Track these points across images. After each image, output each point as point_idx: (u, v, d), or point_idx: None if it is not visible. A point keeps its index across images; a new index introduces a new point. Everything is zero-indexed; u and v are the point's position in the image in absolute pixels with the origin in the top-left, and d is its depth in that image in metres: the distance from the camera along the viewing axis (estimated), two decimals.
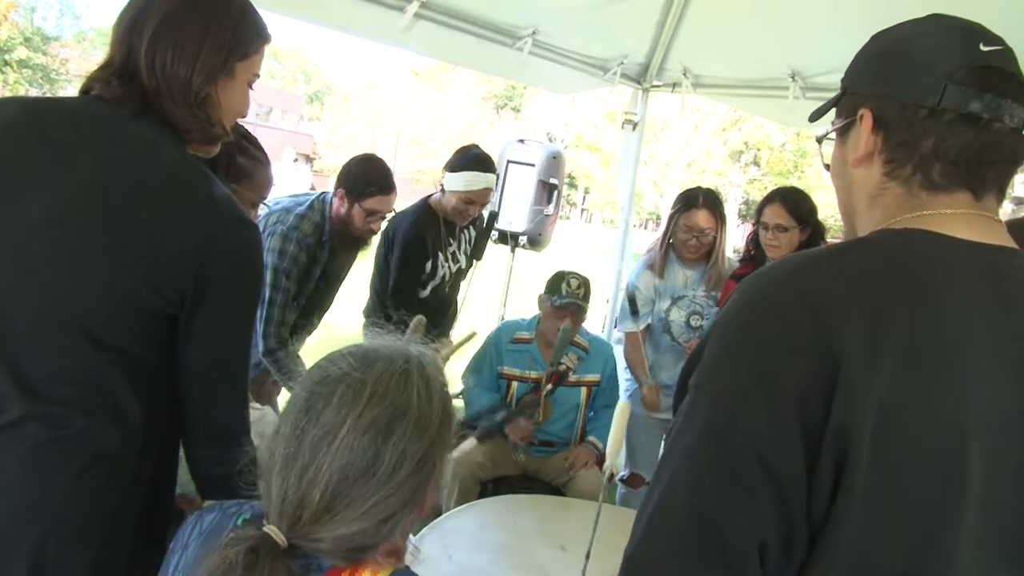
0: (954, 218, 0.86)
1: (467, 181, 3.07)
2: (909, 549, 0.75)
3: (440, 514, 2.52)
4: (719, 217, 3.17)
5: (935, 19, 0.90)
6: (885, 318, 0.76)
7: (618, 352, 3.47)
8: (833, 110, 1.00)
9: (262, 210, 2.05)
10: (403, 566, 0.94)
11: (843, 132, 0.96)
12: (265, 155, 1.93)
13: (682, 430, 0.82)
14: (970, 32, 0.87)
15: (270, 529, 0.87)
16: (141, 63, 1.21)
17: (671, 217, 3.22)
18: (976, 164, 0.85)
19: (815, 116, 1.08)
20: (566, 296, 3.07)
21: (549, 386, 3.12)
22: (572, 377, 3.17)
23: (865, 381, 0.74)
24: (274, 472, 0.90)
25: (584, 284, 3.14)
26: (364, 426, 0.88)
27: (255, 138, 1.88)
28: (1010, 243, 0.87)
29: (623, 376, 3.44)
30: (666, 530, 0.78)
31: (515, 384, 3.17)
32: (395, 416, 0.90)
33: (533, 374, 3.15)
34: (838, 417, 0.74)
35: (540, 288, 3.24)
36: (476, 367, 3.26)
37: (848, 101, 0.95)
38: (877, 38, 0.95)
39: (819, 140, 1.04)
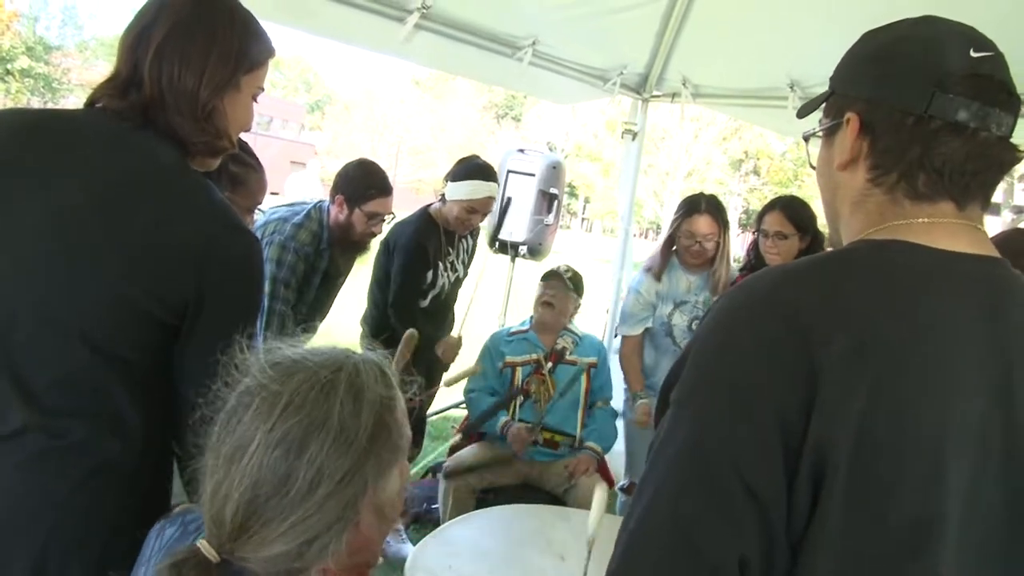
0: (937, 227, 0.85)
1: (470, 190, 3.10)
2: (889, 563, 0.75)
3: (439, 524, 2.52)
4: (721, 223, 3.17)
5: (927, 22, 0.89)
6: (865, 332, 0.76)
7: (613, 361, 3.48)
8: (822, 108, 0.98)
9: (258, 215, 2.06)
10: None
11: (830, 133, 0.95)
12: (258, 161, 1.93)
13: (663, 445, 0.81)
14: (961, 37, 0.85)
15: (202, 544, 0.83)
16: (147, 76, 1.21)
17: (673, 222, 3.23)
18: (960, 174, 0.84)
19: (803, 113, 1.07)
20: (557, 272, 3.24)
21: (549, 364, 3.20)
22: (570, 356, 3.24)
23: (844, 396, 0.74)
24: (202, 488, 0.86)
25: (573, 271, 3.29)
26: (275, 440, 0.81)
27: (246, 144, 1.89)
28: (993, 252, 0.86)
29: (619, 385, 3.44)
30: (647, 547, 0.77)
31: (519, 369, 3.24)
32: (310, 429, 0.82)
33: (534, 356, 3.24)
34: (817, 432, 0.73)
35: None
36: (477, 375, 3.29)
37: (835, 102, 0.94)
38: (868, 39, 0.94)
39: (806, 138, 1.03)
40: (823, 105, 0.98)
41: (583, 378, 3.24)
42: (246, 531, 0.82)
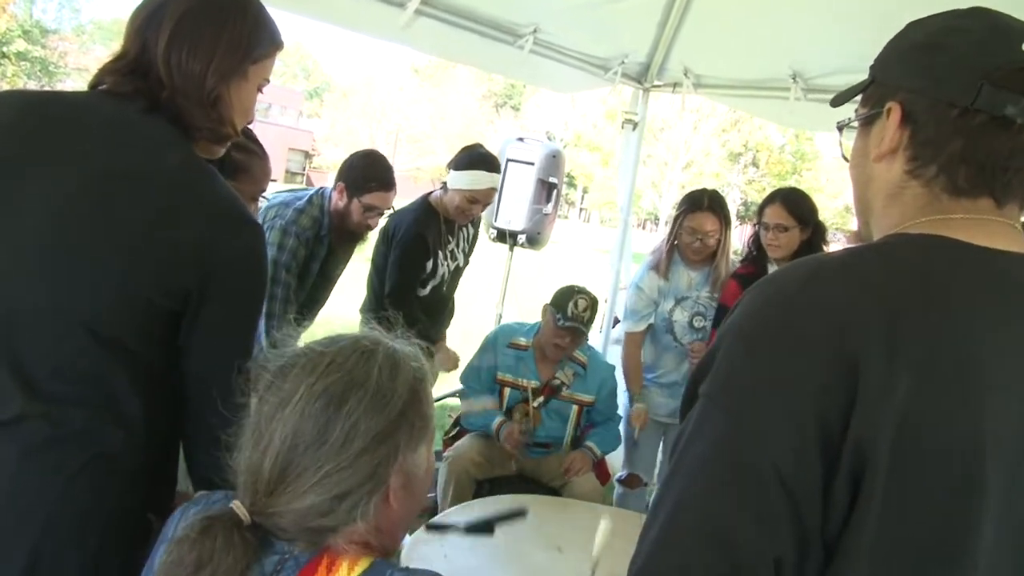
0: (974, 224, 0.83)
1: (472, 180, 3.07)
2: (926, 564, 0.73)
3: (436, 514, 2.52)
4: (723, 219, 3.16)
5: (977, 13, 0.86)
6: (902, 328, 0.74)
7: (617, 352, 3.46)
8: (858, 98, 0.96)
9: (262, 203, 2.05)
10: (380, 560, 0.92)
11: (867, 123, 0.92)
12: (261, 147, 1.92)
13: (691, 441, 0.78)
14: (1012, 30, 0.83)
15: (234, 504, 0.87)
16: (158, 59, 1.20)
17: (676, 219, 3.23)
18: (1003, 170, 0.82)
19: (838, 101, 1.03)
20: (571, 318, 3.01)
21: (541, 398, 3.12)
22: (566, 392, 3.15)
23: (883, 394, 0.71)
24: (242, 448, 0.91)
25: (591, 306, 3.09)
26: (317, 393, 0.87)
27: (250, 131, 1.87)
28: None
29: (621, 377, 3.43)
30: (678, 546, 0.75)
31: (508, 390, 3.17)
32: (350, 386, 0.88)
33: (524, 382, 3.15)
34: (856, 431, 0.71)
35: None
36: (475, 369, 3.26)
37: (876, 91, 0.91)
38: (914, 28, 0.91)
39: (840, 128, 1.00)
40: (859, 95, 0.95)
41: (573, 413, 3.17)
42: (282, 481, 0.86)
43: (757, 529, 0.72)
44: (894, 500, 0.72)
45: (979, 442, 0.73)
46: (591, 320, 3.10)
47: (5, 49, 25.19)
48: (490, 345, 3.25)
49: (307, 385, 0.88)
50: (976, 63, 0.81)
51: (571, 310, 3.02)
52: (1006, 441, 0.74)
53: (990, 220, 0.84)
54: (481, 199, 3.13)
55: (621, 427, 3.33)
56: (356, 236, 2.86)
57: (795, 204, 2.95)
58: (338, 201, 2.74)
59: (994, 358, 0.75)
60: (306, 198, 2.76)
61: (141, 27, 1.22)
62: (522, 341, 3.21)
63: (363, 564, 0.90)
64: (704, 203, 3.13)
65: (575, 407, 3.17)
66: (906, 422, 0.71)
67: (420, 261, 3.11)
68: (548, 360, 3.15)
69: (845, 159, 0.98)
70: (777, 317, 0.79)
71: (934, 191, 0.85)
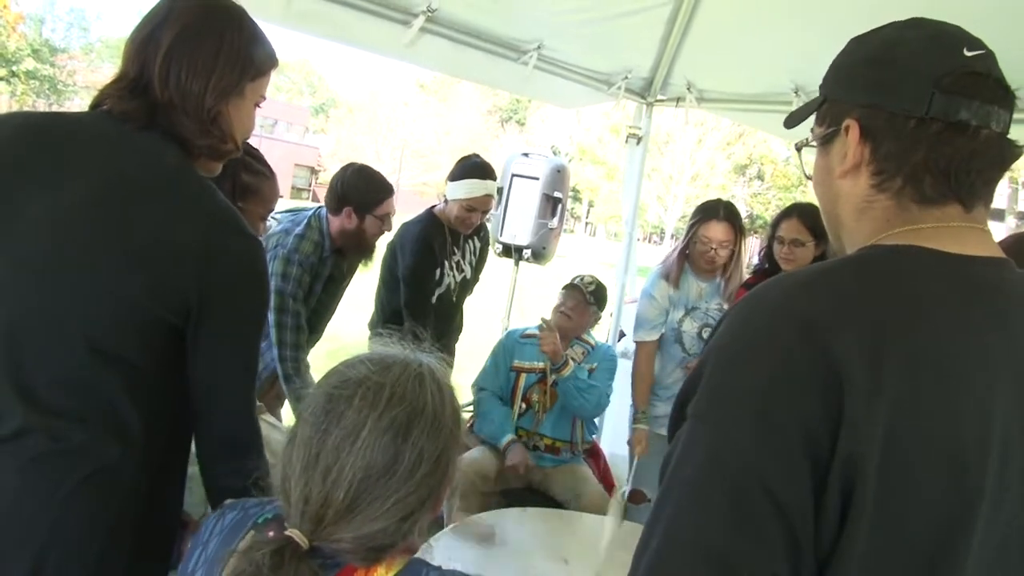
0: (946, 231, 0.84)
1: (468, 189, 3.12)
2: (918, 574, 0.74)
3: (443, 525, 2.52)
4: (738, 231, 3.15)
5: (917, 24, 0.88)
6: (883, 341, 0.74)
7: (624, 366, 3.46)
8: (813, 117, 0.97)
9: (270, 223, 2.06)
10: (415, 558, 0.97)
11: (826, 142, 0.93)
12: (270, 169, 1.95)
13: (681, 461, 0.79)
14: (952, 37, 0.85)
15: (293, 532, 0.90)
16: (156, 78, 1.22)
17: (690, 227, 3.21)
18: (966, 173, 0.83)
19: (792, 122, 1.04)
20: (573, 285, 3.25)
21: (554, 376, 3.18)
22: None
23: (869, 409, 0.72)
24: (294, 477, 0.93)
25: (597, 283, 3.28)
26: (384, 426, 0.92)
27: (259, 153, 1.89)
28: (999, 254, 0.86)
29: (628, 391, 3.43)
30: (673, 567, 0.75)
31: (524, 376, 3.24)
32: (413, 416, 0.93)
33: (540, 364, 3.23)
34: (845, 447, 0.72)
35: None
36: (488, 371, 3.32)
37: (831, 109, 0.92)
38: (858, 44, 0.92)
39: (798, 148, 1.01)
40: (814, 114, 0.96)
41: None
42: (352, 511, 0.90)
43: (752, 548, 0.72)
44: (885, 513, 0.72)
45: (966, 449, 0.74)
46: (596, 295, 3.25)
47: (15, 68, 25.45)
48: (502, 344, 3.35)
49: (374, 419, 0.92)
50: (924, 73, 0.83)
51: (575, 280, 3.29)
52: (991, 445, 0.75)
53: (960, 226, 0.85)
54: (478, 207, 3.18)
55: (622, 444, 3.34)
56: (369, 250, 2.90)
57: (812, 219, 2.91)
58: (347, 224, 2.76)
59: (974, 363, 0.76)
60: (304, 223, 2.76)
61: (140, 48, 1.24)
62: (535, 331, 3.31)
63: (399, 563, 0.94)
64: (720, 213, 3.12)
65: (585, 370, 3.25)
66: (893, 434, 0.72)
67: (430, 267, 3.15)
68: (561, 340, 3.23)
69: (808, 177, 0.99)
70: (760, 335, 0.79)
71: (903, 202, 0.86)
